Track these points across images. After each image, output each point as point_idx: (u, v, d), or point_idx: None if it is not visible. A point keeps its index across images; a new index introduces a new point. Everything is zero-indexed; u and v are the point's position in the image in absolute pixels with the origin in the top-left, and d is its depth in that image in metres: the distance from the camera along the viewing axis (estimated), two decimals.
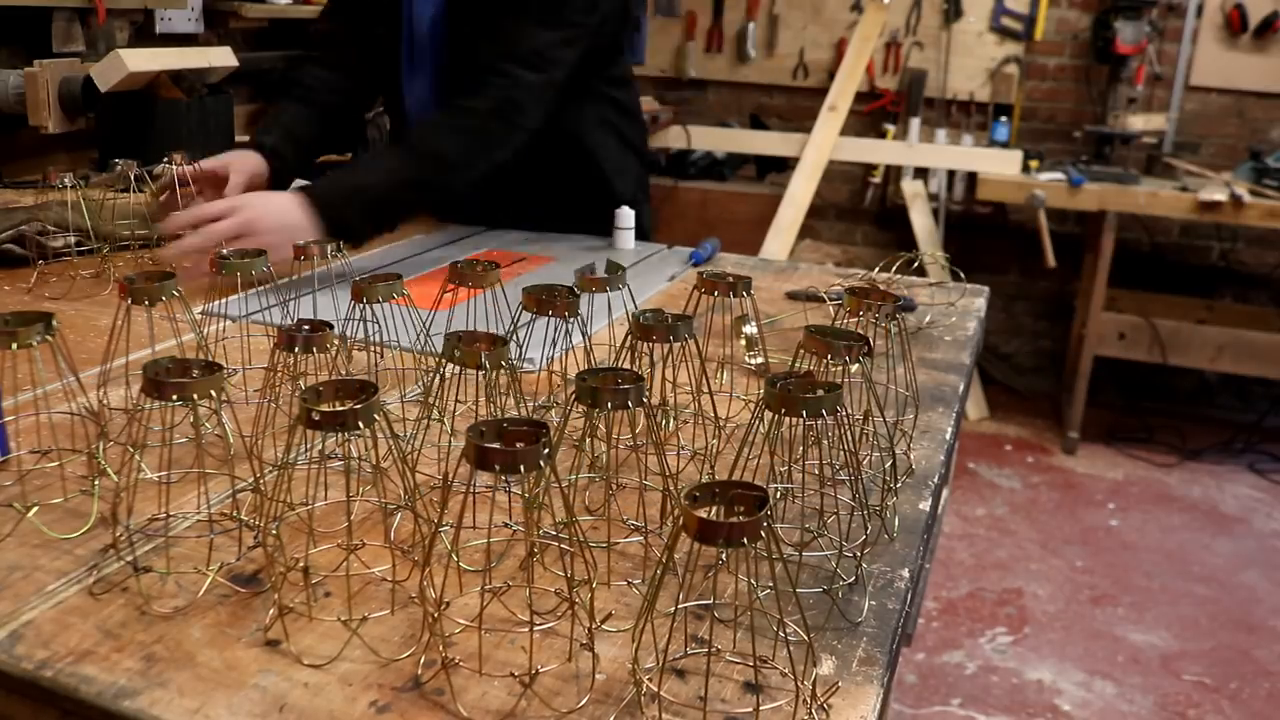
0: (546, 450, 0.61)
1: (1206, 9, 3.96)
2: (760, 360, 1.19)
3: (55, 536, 0.77)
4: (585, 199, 1.82)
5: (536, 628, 0.68)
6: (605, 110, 1.83)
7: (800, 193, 3.84)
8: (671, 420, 1.00)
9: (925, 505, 0.90)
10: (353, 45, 1.79)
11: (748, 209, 4.00)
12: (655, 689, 0.62)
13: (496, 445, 0.62)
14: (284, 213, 1.39)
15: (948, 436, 1.06)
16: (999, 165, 3.77)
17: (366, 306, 0.94)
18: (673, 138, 4.14)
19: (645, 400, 0.70)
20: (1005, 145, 4.03)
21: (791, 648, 0.66)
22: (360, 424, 0.65)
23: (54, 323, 0.80)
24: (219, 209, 1.37)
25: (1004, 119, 4.12)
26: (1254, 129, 4.06)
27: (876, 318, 0.95)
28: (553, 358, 1.03)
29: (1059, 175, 3.66)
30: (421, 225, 1.87)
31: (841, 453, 0.79)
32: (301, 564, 0.72)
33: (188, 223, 1.36)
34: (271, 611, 0.68)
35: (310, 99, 1.75)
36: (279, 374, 0.87)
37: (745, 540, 0.55)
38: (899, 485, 0.92)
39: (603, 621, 0.69)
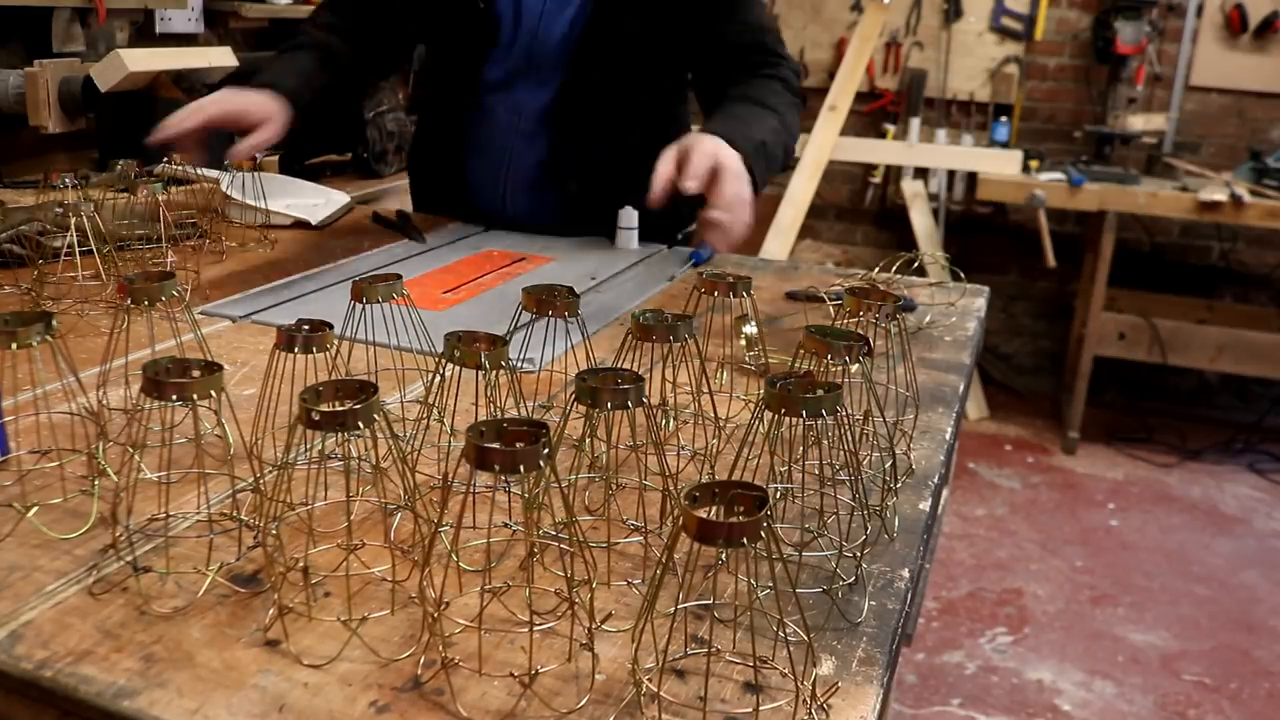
0: (546, 450, 0.61)
1: (1206, 9, 3.96)
2: (760, 360, 1.19)
3: (55, 536, 0.77)
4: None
5: (536, 628, 0.68)
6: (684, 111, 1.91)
7: (800, 193, 3.84)
8: (671, 420, 1.00)
9: (925, 505, 0.90)
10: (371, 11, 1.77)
11: None
12: (655, 689, 0.62)
13: (496, 445, 0.62)
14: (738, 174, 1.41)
15: (948, 436, 1.06)
16: (999, 165, 3.77)
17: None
18: None
19: (645, 400, 0.70)
20: (1005, 145, 4.03)
21: (791, 648, 0.66)
22: (360, 424, 0.65)
23: (54, 323, 0.79)
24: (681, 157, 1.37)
25: (1004, 119, 4.12)
26: (1254, 129, 4.06)
27: (876, 318, 0.95)
28: (553, 358, 1.03)
29: (1059, 175, 3.66)
30: (422, 225, 1.86)
31: (841, 453, 0.79)
32: (301, 564, 0.71)
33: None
34: (271, 611, 0.68)
35: (326, 54, 1.72)
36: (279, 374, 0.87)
37: (745, 540, 0.55)
38: (899, 485, 0.92)
39: (603, 621, 0.69)
